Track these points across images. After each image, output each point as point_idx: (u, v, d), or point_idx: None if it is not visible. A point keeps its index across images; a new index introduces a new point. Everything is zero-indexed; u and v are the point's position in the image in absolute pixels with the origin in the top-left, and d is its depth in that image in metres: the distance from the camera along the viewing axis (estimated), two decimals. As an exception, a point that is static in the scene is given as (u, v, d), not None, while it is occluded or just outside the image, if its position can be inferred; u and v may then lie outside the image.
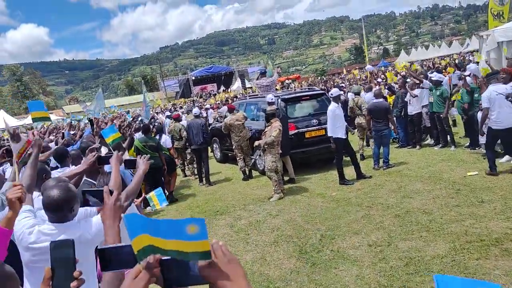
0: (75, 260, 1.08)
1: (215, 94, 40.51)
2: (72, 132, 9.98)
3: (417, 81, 9.22)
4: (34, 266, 2.28)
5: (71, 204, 2.32)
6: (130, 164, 2.70)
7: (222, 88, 48.27)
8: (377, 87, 11.22)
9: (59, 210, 2.29)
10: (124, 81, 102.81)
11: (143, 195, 3.62)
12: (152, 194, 4.16)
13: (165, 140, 8.51)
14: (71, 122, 14.13)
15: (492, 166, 6.51)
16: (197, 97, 40.87)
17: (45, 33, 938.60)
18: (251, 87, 37.57)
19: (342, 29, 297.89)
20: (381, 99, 8.29)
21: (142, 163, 2.59)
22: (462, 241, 4.39)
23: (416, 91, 9.08)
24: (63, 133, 9.39)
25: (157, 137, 8.66)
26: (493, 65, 8.48)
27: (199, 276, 0.89)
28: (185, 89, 50.93)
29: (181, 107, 23.69)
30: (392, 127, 8.25)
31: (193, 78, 52.14)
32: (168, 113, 15.28)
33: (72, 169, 3.43)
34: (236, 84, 48.85)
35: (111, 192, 1.76)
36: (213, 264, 0.88)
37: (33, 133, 2.88)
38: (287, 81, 36.76)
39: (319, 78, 38.51)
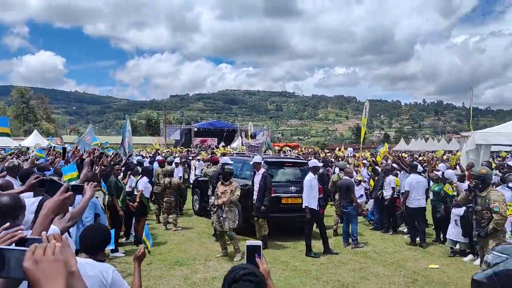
0: None
1: (213, 149, 40.99)
2: (48, 158, 10.19)
3: (404, 167, 9.51)
4: None
5: (16, 212, 2.43)
6: (77, 190, 2.84)
7: (222, 144, 48.86)
8: (351, 166, 11.50)
9: (4, 216, 2.39)
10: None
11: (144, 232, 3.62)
12: (144, 238, 4.18)
13: (139, 182, 8.54)
14: (51, 148, 14.45)
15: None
16: (195, 148, 41.28)
17: (60, 62, 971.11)
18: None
19: (348, 109, 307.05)
20: (347, 177, 8.49)
21: (89, 189, 2.75)
22: (403, 330, 4.37)
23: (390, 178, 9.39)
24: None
25: (137, 178, 8.79)
26: (467, 164, 8.83)
27: (22, 270, 0.95)
28: (186, 139, 51.59)
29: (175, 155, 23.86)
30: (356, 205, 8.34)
31: (195, 129, 53.02)
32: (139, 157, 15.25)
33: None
34: (237, 142, 49.47)
35: (68, 190, 1.97)
36: (37, 260, 0.94)
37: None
38: (287, 148, 37.43)
39: (313, 149, 39.09)
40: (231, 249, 7.46)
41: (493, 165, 9.95)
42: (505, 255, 3.30)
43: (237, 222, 7.36)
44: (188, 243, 8.39)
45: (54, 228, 2.40)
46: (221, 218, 7.09)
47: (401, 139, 70.16)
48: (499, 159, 17.74)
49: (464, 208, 7.42)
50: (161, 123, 61.17)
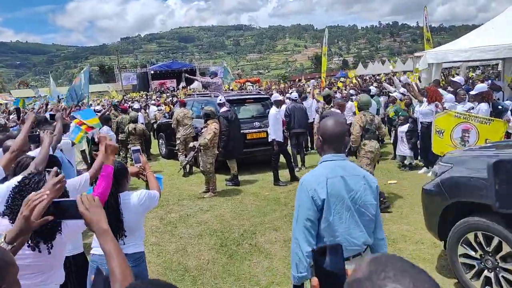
0: None
1: (173, 90, 40.09)
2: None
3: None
4: None
5: None
6: (34, 139, 2.84)
7: (182, 84, 47.73)
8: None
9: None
10: (80, 69, 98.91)
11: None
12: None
13: (100, 131, 8.45)
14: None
15: None
16: (154, 92, 40.28)
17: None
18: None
19: (305, 37, 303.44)
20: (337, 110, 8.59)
21: (46, 137, 2.76)
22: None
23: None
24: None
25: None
26: (422, 84, 9.24)
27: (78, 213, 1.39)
28: (143, 83, 50.06)
29: (137, 101, 23.31)
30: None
31: (152, 72, 51.32)
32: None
33: None
34: (196, 83, 48.44)
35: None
36: (87, 207, 1.40)
37: None
38: (247, 83, 37.19)
39: (278, 82, 39.12)
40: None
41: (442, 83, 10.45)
42: (450, 164, 3.64)
43: (209, 165, 7.35)
44: (160, 186, 8.55)
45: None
46: (190, 161, 7.25)
47: (359, 64, 70.90)
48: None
49: (408, 125, 7.97)
50: (115, 69, 58.57)
